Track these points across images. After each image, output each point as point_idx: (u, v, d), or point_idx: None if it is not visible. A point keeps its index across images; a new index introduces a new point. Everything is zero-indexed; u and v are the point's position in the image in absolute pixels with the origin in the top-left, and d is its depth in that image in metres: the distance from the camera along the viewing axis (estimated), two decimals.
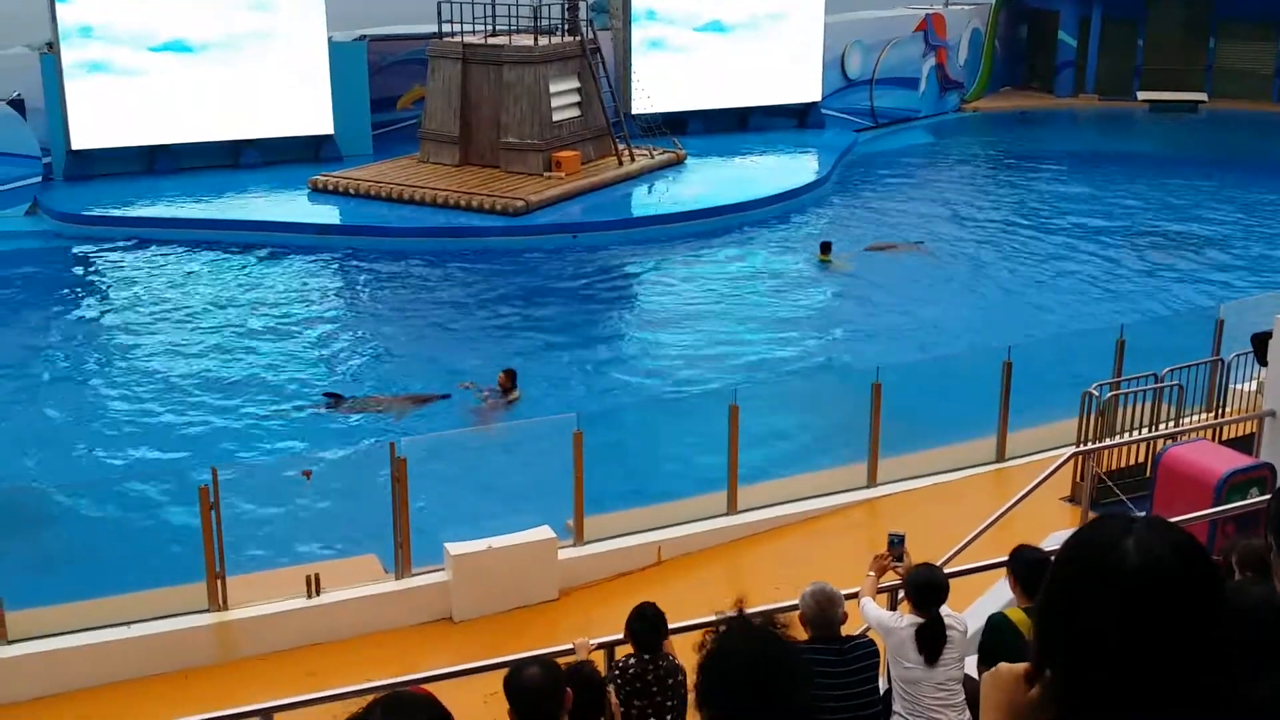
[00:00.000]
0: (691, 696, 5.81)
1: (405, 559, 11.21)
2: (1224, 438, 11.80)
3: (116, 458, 15.25)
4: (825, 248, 23.34)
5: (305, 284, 22.24)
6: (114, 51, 27.03)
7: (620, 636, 6.81)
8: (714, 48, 32.71)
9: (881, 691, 6.84)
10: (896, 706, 6.62)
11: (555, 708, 4.50)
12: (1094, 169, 31.46)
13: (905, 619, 6.67)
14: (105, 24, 26.88)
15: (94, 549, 12.94)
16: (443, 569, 11.20)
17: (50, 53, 26.67)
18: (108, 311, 20.89)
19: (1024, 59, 41.82)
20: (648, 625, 6.51)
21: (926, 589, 6.56)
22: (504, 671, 4.86)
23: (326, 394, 16.69)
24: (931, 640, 6.47)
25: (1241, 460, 10.27)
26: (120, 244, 23.86)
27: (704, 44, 32.68)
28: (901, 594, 7.27)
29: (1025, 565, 6.36)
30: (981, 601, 9.21)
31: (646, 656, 6.42)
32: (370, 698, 2.68)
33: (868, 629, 7.19)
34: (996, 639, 6.16)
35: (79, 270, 23.20)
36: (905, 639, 6.55)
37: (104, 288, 22.27)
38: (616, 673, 6.45)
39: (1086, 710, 1.95)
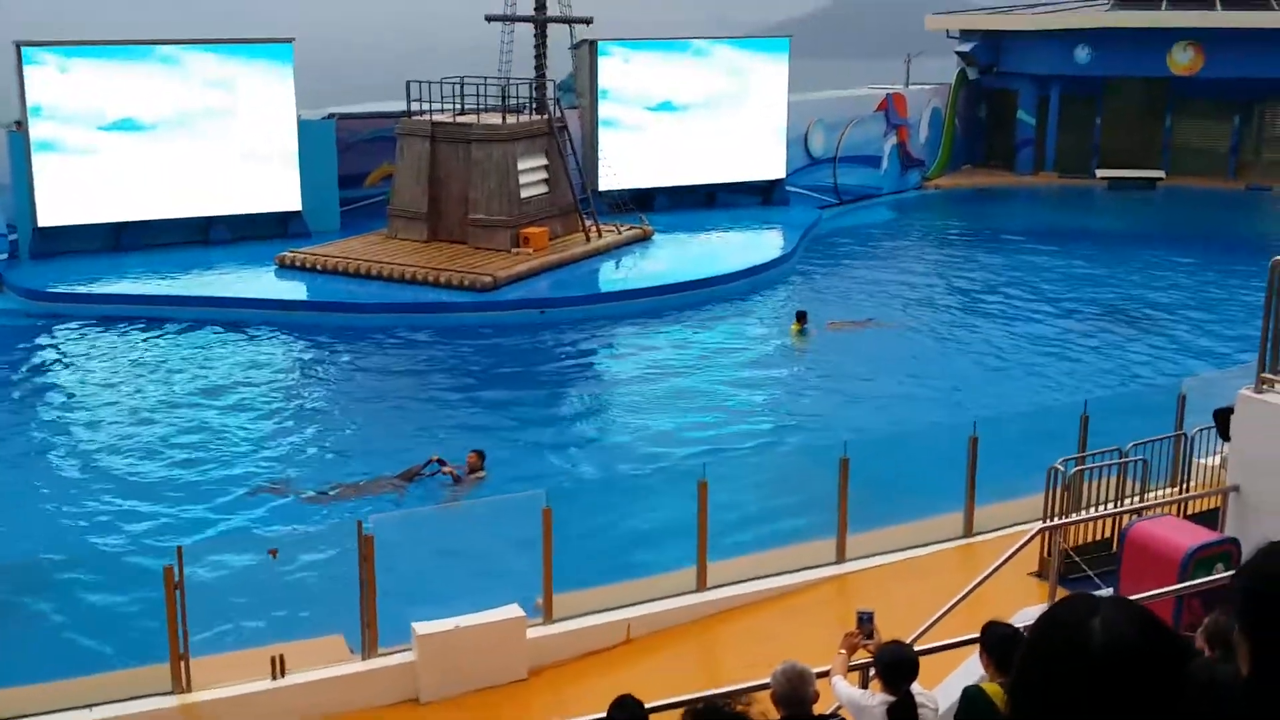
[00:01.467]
0: None
1: (372, 639, 11.09)
2: (1189, 512, 11.89)
3: (80, 538, 15.06)
4: (801, 317, 23.58)
5: (273, 360, 22.18)
6: (80, 129, 27.08)
7: (593, 718, 6.75)
8: (680, 126, 33.16)
9: None
10: None
11: None
12: (1055, 246, 31.95)
13: (877, 697, 6.68)
14: (70, 103, 26.95)
15: (56, 630, 12.73)
16: (410, 649, 11.08)
17: (19, 130, 26.70)
18: (73, 390, 20.74)
19: (984, 137, 42.60)
20: (627, 716, 6.43)
21: (897, 666, 6.59)
22: None
23: (335, 486, 16.36)
24: (903, 718, 6.46)
25: (1206, 535, 10.35)
26: (86, 321, 23.76)
27: (669, 122, 33.12)
28: (872, 671, 7.26)
29: (996, 640, 6.41)
30: (952, 678, 9.20)
31: None
32: None
33: (839, 707, 7.17)
34: (972, 712, 6.18)
35: (44, 348, 23.04)
36: (877, 717, 6.56)
37: (69, 366, 22.11)
38: None
39: None
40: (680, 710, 6.98)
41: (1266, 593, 2.30)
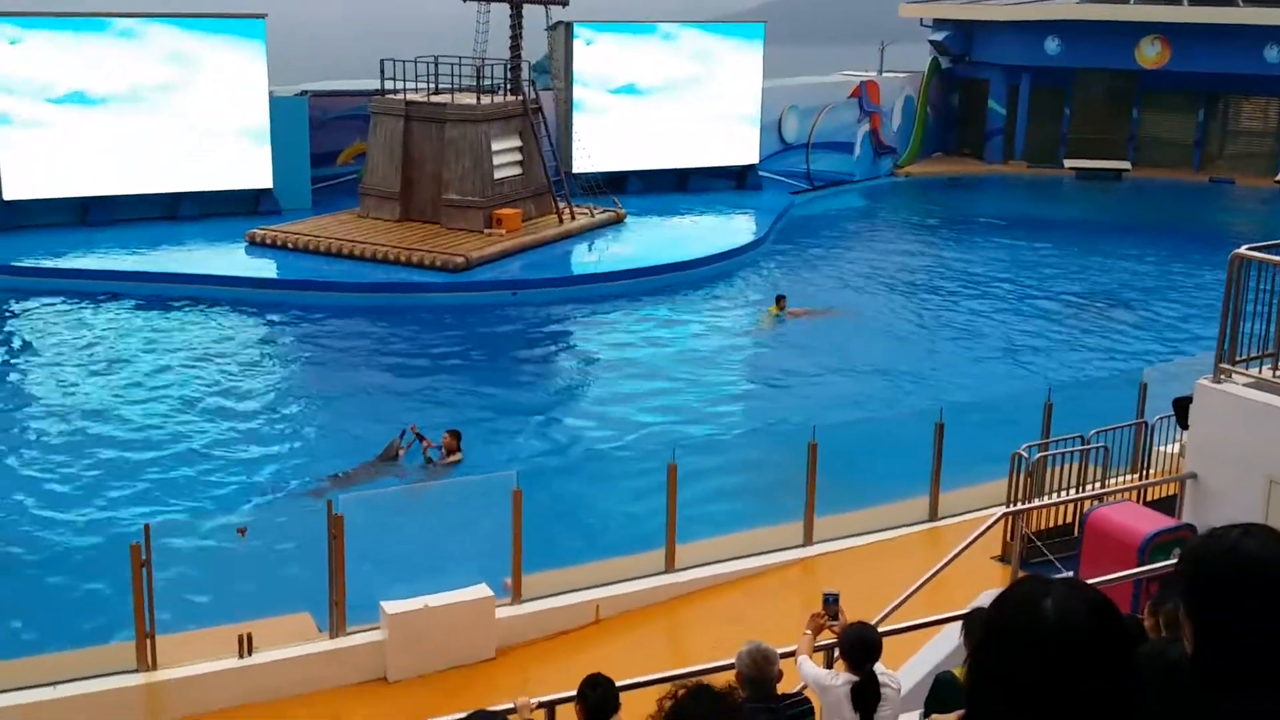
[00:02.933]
0: None
1: (340, 618, 11.12)
2: (1148, 499, 12.08)
3: (45, 513, 15.00)
4: (780, 301, 23.71)
5: (242, 338, 22.10)
6: (34, 102, 26.82)
7: (562, 695, 6.83)
8: (654, 109, 33.16)
9: None
10: None
11: None
12: (1022, 234, 32.19)
13: (841, 677, 6.79)
14: (39, 76, 26.70)
15: (19, 606, 12.69)
16: (378, 628, 11.13)
17: None
18: (37, 364, 20.60)
19: (955, 126, 42.81)
20: (599, 695, 6.49)
21: (860, 647, 6.70)
22: None
23: (324, 479, 16.02)
24: (866, 698, 6.58)
25: (1164, 521, 10.54)
26: (53, 296, 23.58)
27: (643, 105, 33.11)
28: (837, 652, 7.38)
29: (971, 622, 6.54)
30: (915, 659, 9.34)
31: None
32: None
33: (804, 687, 7.28)
34: (943, 696, 6.29)
35: (10, 321, 22.87)
36: (840, 696, 6.67)
37: (34, 339, 21.95)
38: None
39: None
40: (651, 689, 7.07)
41: (1206, 576, 2.40)
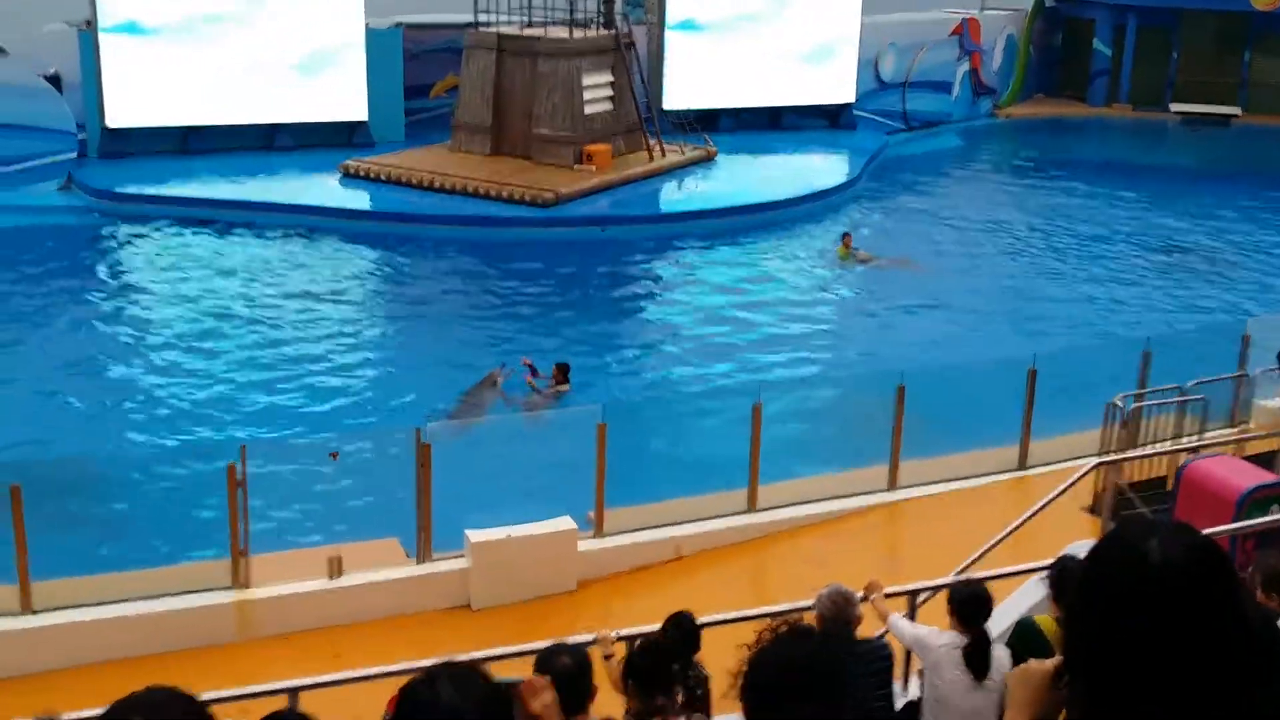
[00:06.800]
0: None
1: (426, 544, 11.31)
2: (1247, 453, 11.80)
3: (145, 434, 15.42)
4: (846, 240, 23.41)
5: (335, 268, 22.39)
6: (152, 29, 27.18)
7: (643, 629, 6.87)
8: (748, 46, 32.67)
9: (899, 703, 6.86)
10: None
11: (583, 697, 4.57)
12: (1125, 180, 31.32)
13: (945, 635, 6.56)
14: (143, 4, 27.04)
15: (119, 523, 13.10)
16: (463, 555, 11.29)
17: (88, 30, 26.86)
18: (139, 289, 21.08)
19: (1058, 66, 41.64)
20: (682, 633, 6.50)
21: (972, 603, 6.45)
22: (529, 659, 4.92)
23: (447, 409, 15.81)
24: (978, 657, 6.35)
25: (1264, 476, 10.27)
26: (153, 222, 24.07)
27: (737, 42, 32.64)
28: (923, 598, 7.30)
29: (1061, 572, 6.37)
30: (998, 610, 9.23)
31: (676, 667, 6.37)
32: (399, 680, 2.74)
33: (885, 633, 7.23)
34: (1024, 642, 6.19)
35: (112, 247, 23.41)
36: (943, 656, 6.45)
37: (136, 265, 22.47)
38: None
39: (1111, 708, 2.04)
40: (730, 627, 7.09)
41: None
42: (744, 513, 12.34)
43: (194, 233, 23.73)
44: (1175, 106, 39.17)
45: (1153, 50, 39.62)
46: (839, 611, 6.44)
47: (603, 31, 28.42)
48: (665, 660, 5.45)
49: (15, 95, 25.23)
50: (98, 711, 2.28)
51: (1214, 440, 12.22)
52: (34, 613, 10.37)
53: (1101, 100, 40.25)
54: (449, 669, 2.50)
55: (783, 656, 2.71)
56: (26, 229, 23.41)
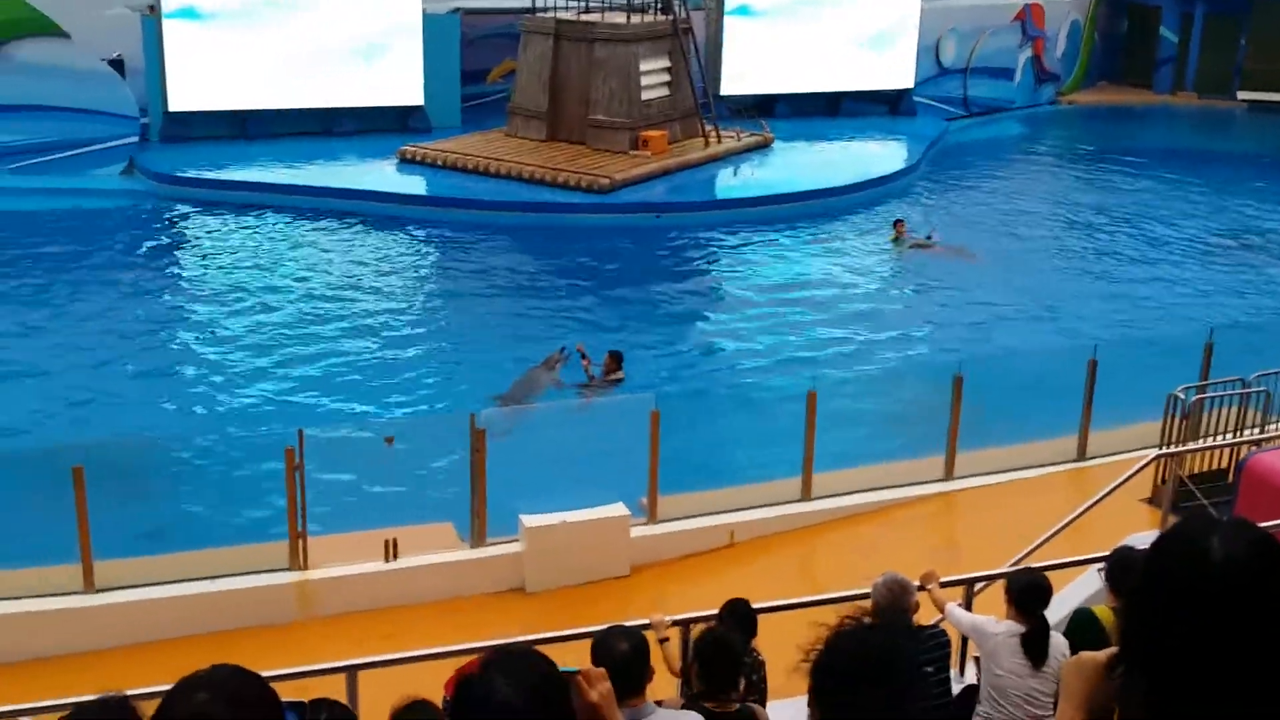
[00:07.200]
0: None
1: (480, 529, 11.40)
2: None
3: (204, 417, 15.63)
4: (898, 226, 23.24)
5: (390, 253, 22.55)
6: (213, 14, 27.46)
7: (697, 614, 6.88)
8: (806, 30, 32.45)
9: (955, 690, 6.83)
10: (982, 709, 6.56)
11: (640, 681, 4.59)
12: (1189, 169, 30.78)
13: (1003, 624, 6.55)
14: None
15: (180, 504, 13.29)
16: (517, 540, 11.37)
17: (151, 15, 27.19)
18: (200, 272, 21.36)
19: (1123, 53, 40.99)
20: (738, 619, 6.51)
21: (1031, 592, 6.44)
22: (583, 643, 4.94)
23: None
24: (1037, 646, 6.34)
25: None
26: (213, 207, 24.37)
27: (795, 27, 32.43)
28: (979, 587, 7.25)
29: (1115, 561, 6.32)
30: (1054, 600, 9.16)
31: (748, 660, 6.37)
32: (455, 661, 2.77)
33: (941, 620, 7.19)
34: (1080, 632, 6.15)
35: (173, 230, 23.72)
36: (1000, 645, 6.45)
37: (197, 249, 22.76)
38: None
39: (1167, 701, 2.02)
40: (783, 614, 7.08)
41: None
42: (798, 501, 12.31)
43: (254, 216, 23.99)
44: (1242, 94, 38.42)
45: (1220, 37, 38.89)
46: (895, 599, 6.42)
47: (660, 17, 28.35)
48: (735, 655, 5.50)
49: (79, 80, 25.60)
50: (161, 688, 2.32)
51: (1277, 434, 12.00)
52: (96, 591, 10.57)
53: (1167, 88, 39.59)
54: (503, 660, 2.53)
55: (859, 642, 2.75)
56: (90, 212, 23.77)
